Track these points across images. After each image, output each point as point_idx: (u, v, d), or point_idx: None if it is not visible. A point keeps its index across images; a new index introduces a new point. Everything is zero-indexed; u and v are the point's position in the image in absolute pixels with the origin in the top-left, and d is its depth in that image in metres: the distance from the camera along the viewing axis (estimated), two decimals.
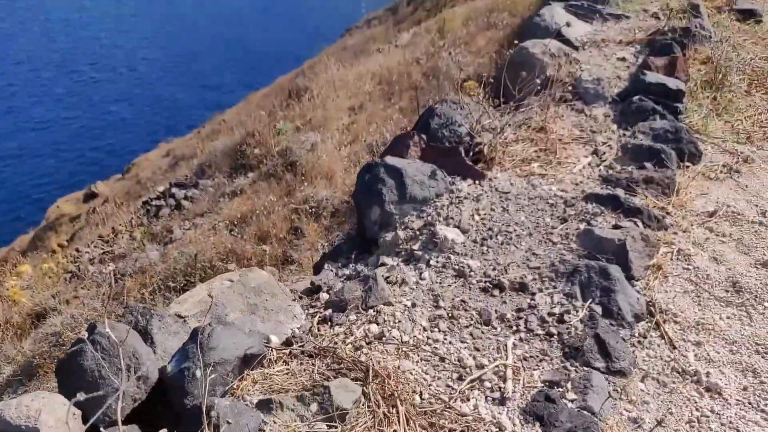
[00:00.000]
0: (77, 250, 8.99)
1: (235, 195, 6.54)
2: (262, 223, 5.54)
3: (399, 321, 1.66)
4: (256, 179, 6.54)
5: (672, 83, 2.80)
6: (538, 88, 2.85)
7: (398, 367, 1.47)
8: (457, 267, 1.86)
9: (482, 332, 1.64)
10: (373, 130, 6.59)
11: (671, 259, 1.96)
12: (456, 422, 1.34)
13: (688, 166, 2.45)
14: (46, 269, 7.57)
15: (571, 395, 1.43)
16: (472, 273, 1.83)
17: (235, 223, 5.77)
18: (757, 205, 2.25)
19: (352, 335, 1.61)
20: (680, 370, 1.56)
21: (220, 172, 7.84)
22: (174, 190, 8.66)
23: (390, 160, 2.24)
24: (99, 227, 14.52)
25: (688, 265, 1.94)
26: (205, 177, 8.33)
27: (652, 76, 2.84)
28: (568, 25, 3.53)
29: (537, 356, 1.57)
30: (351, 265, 2.07)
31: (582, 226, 2.01)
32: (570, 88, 2.95)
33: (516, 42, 6.72)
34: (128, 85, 72.27)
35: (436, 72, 7.50)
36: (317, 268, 2.23)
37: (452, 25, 9.40)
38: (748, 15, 3.81)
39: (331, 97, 7.98)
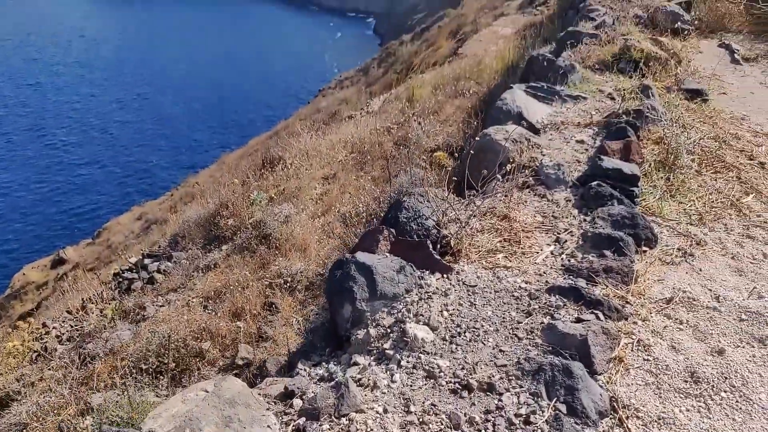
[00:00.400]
0: (44, 325, 8.75)
1: (209, 269, 6.51)
2: (236, 299, 5.52)
3: (371, 429, 1.69)
4: (230, 252, 6.54)
5: (627, 168, 2.96)
6: (501, 175, 3.00)
7: None
8: (427, 368, 1.91)
9: None
10: (346, 200, 6.69)
11: (632, 350, 2.03)
12: None
13: (645, 251, 2.57)
14: (10, 348, 7.35)
15: None
16: (442, 374, 1.88)
17: (210, 299, 5.74)
18: (710, 290, 2.36)
19: None
20: None
21: (193, 244, 7.82)
22: (147, 261, 8.58)
23: (360, 256, 2.31)
24: (68, 298, 14.16)
25: (648, 356, 2.02)
26: (178, 249, 8.29)
27: (608, 162, 3.00)
28: (528, 109, 3.72)
29: None
30: (324, 364, 2.11)
31: (546, 320, 2.08)
32: (532, 173, 3.09)
33: (481, 113, 6.98)
34: (100, 148, 72.04)
35: (406, 141, 7.72)
36: (290, 365, 2.25)
37: (421, 92, 9.72)
38: (695, 94, 4.05)
39: (304, 166, 8.11)
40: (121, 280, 8.42)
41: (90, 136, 72.16)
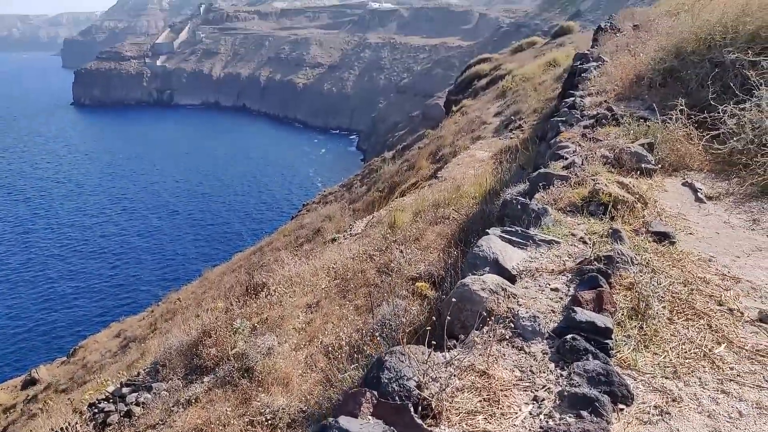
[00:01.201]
0: None
1: (190, 403, 6.35)
2: None
3: None
4: (212, 386, 6.41)
5: (600, 321, 3.06)
6: (479, 328, 3.08)
7: None
8: None
9: None
10: (329, 330, 6.69)
11: None
12: None
13: (622, 409, 2.61)
14: None
15: None
16: None
17: None
18: None
19: None
20: None
21: (174, 374, 7.65)
22: (125, 390, 8.34)
23: (343, 421, 2.32)
24: (36, 426, 13.55)
25: None
26: (159, 378, 8.09)
27: (582, 314, 3.10)
28: (504, 254, 3.87)
29: None
30: None
31: None
32: (510, 324, 3.18)
33: (461, 243, 7.17)
34: (82, 261, 71.43)
35: (389, 268, 7.85)
36: None
37: (403, 217, 10.00)
38: (663, 237, 4.26)
39: (288, 294, 8.16)
40: (96, 411, 8.13)
41: (72, 249, 72.23)
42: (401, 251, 7.91)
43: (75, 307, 58.43)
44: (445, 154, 17.52)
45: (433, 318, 4.97)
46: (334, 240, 11.93)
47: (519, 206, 4.58)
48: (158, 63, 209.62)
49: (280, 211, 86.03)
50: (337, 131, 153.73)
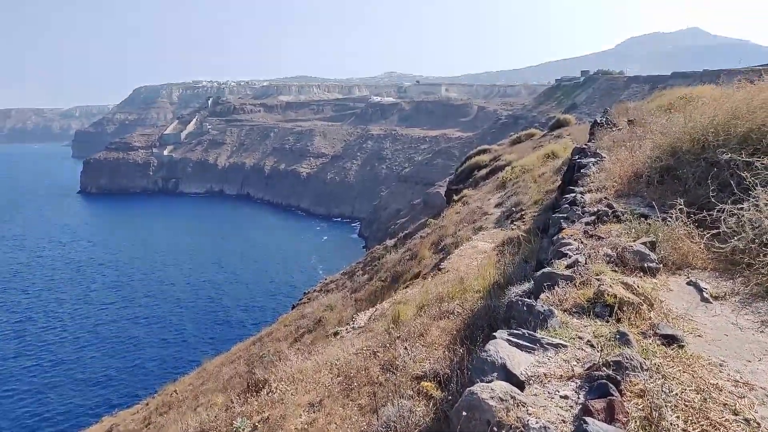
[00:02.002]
0: None
1: None
2: None
3: None
4: None
5: None
6: None
7: None
8: None
9: None
10: None
11: None
12: None
13: None
14: None
15: None
16: None
17: None
18: None
19: None
20: None
21: None
22: None
23: None
24: None
25: None
26: None
27: (593, 425, 3.02)
28: (511, 359, 3.83)
29: None
30: None
31: None
32: None
33: (466, 341, 7.07)
34: (80, 350, 70.13)
35: (393, 366, 7.71)
36: None
37: (406, 311, 9.92)
38: (671, 340, 4.21)
39: (289, 391, 7.96)
40: None
41: (70, 336, 71.21)
42: (406, 348, 7.81)
43: (70, 397, 56.90)
44: (447, 244, 17.63)
45: (440, 420, 4.85)
46: (336, 334, 11.77)
47: (525, 308, 4.57)
48: (165, 153, 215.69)
49: (282, 297, 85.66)
50: (339, 219, 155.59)
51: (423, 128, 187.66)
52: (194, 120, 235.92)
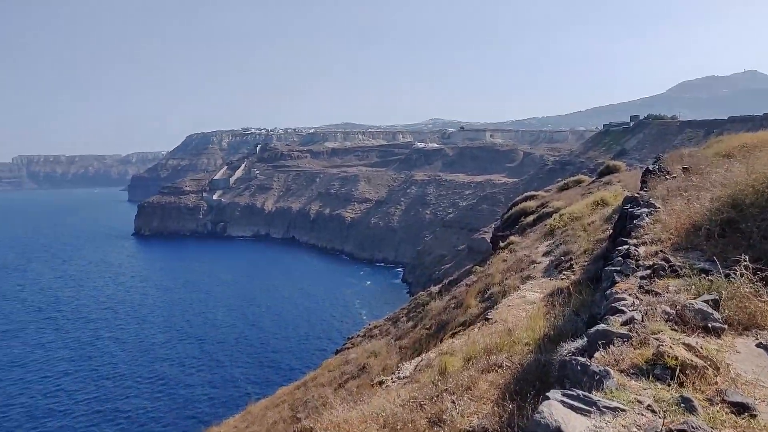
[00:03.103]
0: None
1: None
2: None
3: None
4: None
5: None
6: None
7: None
8: None
9: None
10: None
11: None
12: None
13: None
14: None
15: None
16: None
17: None
18: None
19: None
20: None
21: None
22: None
23: None
24: None
25: None
26: None
27: None
28: (567, 423, 3.65)
29: None
30: None
31: None
32: None
33: (516, 397, 6.83)
34: (129, 386, 71.17)
35: (440, 420, 7.50)
36: None
37: (453, 362, 9.70)
38: (741, 408, 3.94)
39: None
40: None
41: (120, 374, 72.78)
42: (453, 401, 7.60)
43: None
44: (494, 293, 17.31)
45: None
46: (381, 383, 11.58)
47: (579, 367, 4.38)
48: (215, 197, 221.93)
49: (326, 340, 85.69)
50: (383, 264, 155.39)
51: (467, 174, 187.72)
52: (243, 166, 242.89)
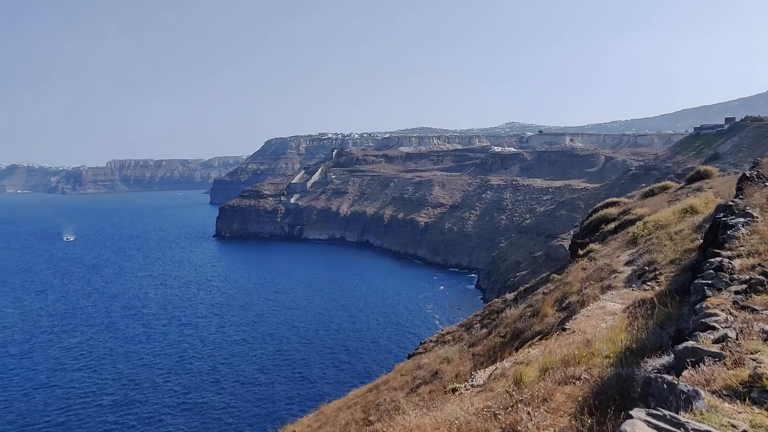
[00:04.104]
0: None
1: None
2: None
3: None
4: None
5: None
6: None
7: None
8: None
9: None
10: None
11: None
12: None
13: None
14: None
15: None
16: None
17: None
18: None
19: None
20: None
21: None
22: None
23: None
24: None
25: None
26: None
27: None
28: None
29: None
30: None
31: None
32: None
33: (595, 411, 6.59)
34: (197, 383, 74.41)
35: (515, 430, 7.35)
36: None
37: (528, 373, 9.49)
38: None
39: None
40: None
41: (200, 366, 76.06)
42: (528, 413, 7.43)
43: (202, 419, 60.67)
44: (572, 302, 16.79)
45: None
46: (455, 390, 11.49)
47: (665, 386, 4.17)
48: (292, 201, 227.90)
49: (398, 343, 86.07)
50: (456, 269, 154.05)
51: (545, 179, 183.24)
52: (319, 170, 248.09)
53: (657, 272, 14.73)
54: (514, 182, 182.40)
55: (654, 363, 5.29)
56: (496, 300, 35.76)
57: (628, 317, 12.09)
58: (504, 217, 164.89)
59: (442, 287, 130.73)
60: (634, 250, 18.72)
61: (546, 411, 7.73)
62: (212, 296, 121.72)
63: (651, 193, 32.98)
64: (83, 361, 79.92)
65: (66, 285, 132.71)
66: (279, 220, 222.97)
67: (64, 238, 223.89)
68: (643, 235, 20.01)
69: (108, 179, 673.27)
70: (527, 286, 37.84)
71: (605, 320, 12.65)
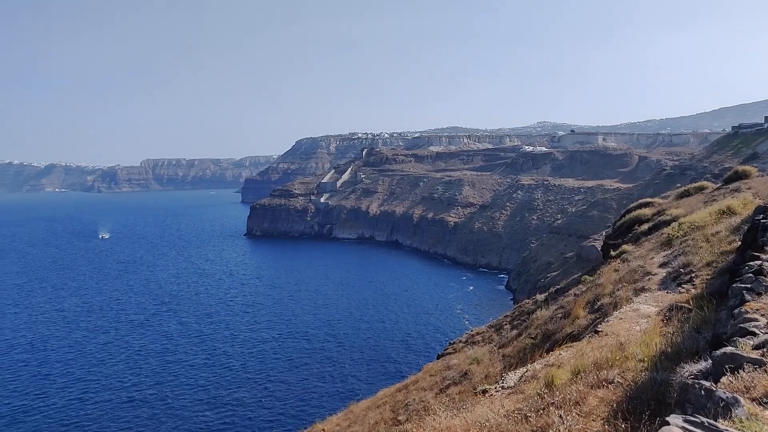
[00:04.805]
0: None
1: None
2: None
3: None
4: None
5: None
6: None
7: None
8: None
9: None
10: None
11: None
12: None
13: None
14: None
15: None
16: None
17: None
18: None
19: None
20: None
21: None
22: None
23: None
24: None
25: None
26: None
27: None
28: None
29: None
30: None
31: None
32: None
33: (629, 417, 6.51)
34: (228, 378, 75.32)
35: None
36: None
37: (560, 375, 9.40)
38: None
39: None
40: None
41: (232, 363, 77.17)
42: (560, 416, 7.38)
43: (233, 414, 61.56)
44: (604, 304, 16.56)
45: None
46: (484, 392, 11.44)
47: (703, 392, 4.10)
48: (322, 200, 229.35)
49: (427, 343, 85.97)
50: (486, 269, 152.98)
51: (577, 179, 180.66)
52: (349, 170, 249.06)
53: (693, 275, 14.43)
54: (545, 182, 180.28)
55: (691, 368, 5.20)
56: (527, 301, 35.43)
57: (663, 321, 11.88)
58: (535, 217, 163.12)
59: (471, 287, 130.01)
60: (669, 252, 18.35)
61: (578, 415, 7.66)
62: (243, 294, 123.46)
63: (686, 194, 32.27)
64: (119, 357, 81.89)
65: (101, 282, 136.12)
66: (309, 219, 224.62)
67: (100, 236, 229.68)
68: (678, 237, 19.61)
69: (142, 178, 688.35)
70: (558, 287, 37.40)
71: (639, 323, 12.44)
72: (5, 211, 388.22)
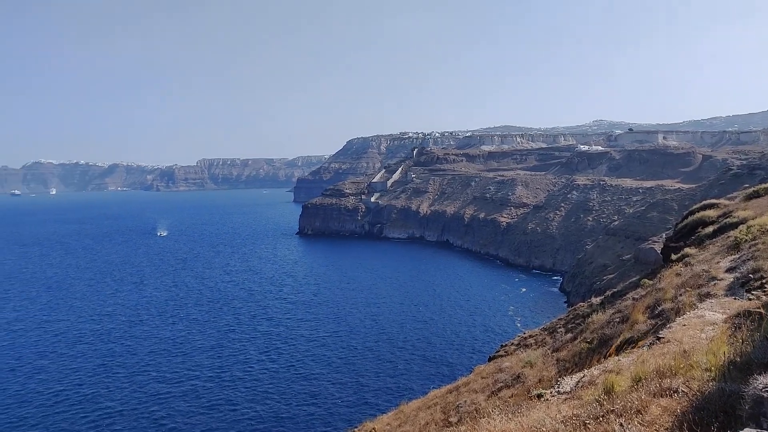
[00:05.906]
0: None
1: None
2: None
3: None
4: None
5: None
6: None
7: None
8: None
9: None
10: None
11: None
12: None
13: None
14: None
15: None
16: None
17: None
18: None
19: None
20: None
21: None
22: None
23: None
24: None
25: None
26: None
27: None
28: None
29: None
30: None
31: None
32: None
33: (696, 427, 6.26)
34: (272, 381, 76.33)
35: None
36: None
37: (620, 383, 9.14)
38: None
39: None
40: None
41: (286, 361, 78.62)
42: (621, 425, 7.18)
43: (294, 407, 62.83)
44: (665, 309, 16.00)
45: None
46: (539, 396, 11.24)
47: None
48: (372, 200, 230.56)
49: (479, 345, 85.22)
50: (539, 271, 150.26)
51: (635, 179, 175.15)
52: (400, 169, 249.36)
53: (764, 281, 13.78)
54: (601, 182, 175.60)
55: (764, 380, 4.96)
56: (582, 304, 34.63)
57: (731, 328, 11.37)
58: (590, 218, 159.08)
59: (524, 289, 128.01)
60: (737, 256, 17.59)
61: (640, 424, 7.43)
62: (296, 292, 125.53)
63: (756, 195, 30.84)
64: (175, 351, 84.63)
65: (160, 278, 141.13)
66: (359, 218, 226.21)
67: (158, 234, 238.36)
68: (746, 240, 18.76)
69: (198, 177, 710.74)
70: (615, 290, 36.35)
71: (704, 330, 11.96)
72: (72, 209, 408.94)
